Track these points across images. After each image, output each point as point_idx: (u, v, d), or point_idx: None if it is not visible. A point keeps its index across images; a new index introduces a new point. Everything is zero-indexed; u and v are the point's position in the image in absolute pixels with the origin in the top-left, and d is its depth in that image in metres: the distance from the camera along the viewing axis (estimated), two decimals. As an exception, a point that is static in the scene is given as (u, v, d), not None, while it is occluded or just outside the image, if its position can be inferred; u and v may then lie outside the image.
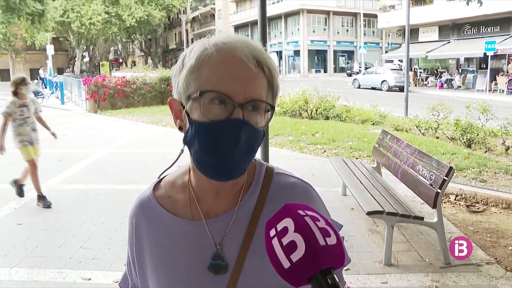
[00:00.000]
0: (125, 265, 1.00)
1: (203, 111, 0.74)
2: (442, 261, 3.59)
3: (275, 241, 0.60)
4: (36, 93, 20.00)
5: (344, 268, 0.92)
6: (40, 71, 33.81)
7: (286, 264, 0.58)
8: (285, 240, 0.59)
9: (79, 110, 17.37)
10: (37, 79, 30.46)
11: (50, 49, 29.04)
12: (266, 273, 0.77)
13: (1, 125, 5.29)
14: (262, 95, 0.77)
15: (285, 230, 0.60)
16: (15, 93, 5.31)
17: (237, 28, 49.73)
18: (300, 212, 0.62)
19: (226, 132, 0.74)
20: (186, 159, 0.88)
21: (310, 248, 0.58)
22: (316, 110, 12.29)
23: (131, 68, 36.57)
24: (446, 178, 3.53)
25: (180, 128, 0.82)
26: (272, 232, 0.61)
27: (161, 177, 0.94)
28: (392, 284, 3.29)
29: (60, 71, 41.43)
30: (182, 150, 0.84)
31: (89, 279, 3.49)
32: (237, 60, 0.75)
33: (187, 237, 0.84)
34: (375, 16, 36.42)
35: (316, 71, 42.99)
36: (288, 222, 0.60)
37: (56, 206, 5.34)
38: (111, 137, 10.66)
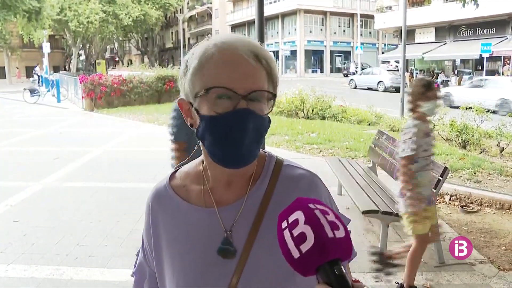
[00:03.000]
0: (136, 254, 1.03)
1: (211, 106, 0.80)
2: (436, 260, 3.63)
3: (286, 233, 0.64)
4: (32, 91, 19.95)
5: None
6: (37, 68, 33.61)
7: (296, 254, 0.62)
8: (295, 232, 0.63)
9: (75, 108, 17.30)
10: (32, 77, 30.32)
11: (47, 47, 28.86)
12: (272, 260, 0.82)
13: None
14: (263, 85, 0.83)
15: (296, 222, 0.64)
16: (415, 110, 2.96)
17: (234, 27, 49.69)
18: (311, 205, 0.66)
19: (235, 121, 0.79)
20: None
21: (318, 240, 0.61)
22: (313, 110, 12.33)
23: (127, 66, 36.49)
24: (441, 178, 3.56)
25: (191, 125, 0.87)
26: (284, 224, 0.65)
27: (176, 168, 1.00)
28: (387, 282, 3.32)
29: (56, 69, 41.20)
30: (196, 147, 0.91)
31: (86, 276, 3.50)
32: (237, 57, 0.81)
33: (200, 223, 0.89)
34: (372, 17, 36.53)
35: (313, 71, 43.05)
36: (299, 215, 0.64)
37: (53, 204, 5.35)
38: (107, 136, 10.66)
